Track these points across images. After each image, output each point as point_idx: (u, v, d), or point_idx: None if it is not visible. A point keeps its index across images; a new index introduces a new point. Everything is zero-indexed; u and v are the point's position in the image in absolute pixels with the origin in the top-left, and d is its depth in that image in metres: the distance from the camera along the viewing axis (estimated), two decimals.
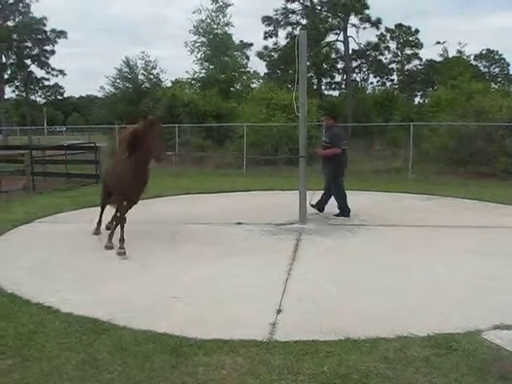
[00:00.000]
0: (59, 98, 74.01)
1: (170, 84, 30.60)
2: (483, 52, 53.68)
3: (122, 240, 7.60)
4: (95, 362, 4.11)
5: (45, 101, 69.02)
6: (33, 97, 62.60)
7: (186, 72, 29.95)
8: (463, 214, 10.52)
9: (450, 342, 4.37)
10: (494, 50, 54.08)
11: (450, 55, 45.72)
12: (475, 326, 4.73)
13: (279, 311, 5.20)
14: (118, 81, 29.32)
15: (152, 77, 29.76)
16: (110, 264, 7.05)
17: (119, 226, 7.87)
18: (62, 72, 61.63)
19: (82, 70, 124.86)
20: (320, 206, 10.31)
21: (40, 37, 54.44)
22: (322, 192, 10.33)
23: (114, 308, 5.28)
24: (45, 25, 53.91)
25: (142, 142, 7.30)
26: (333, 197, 10.24)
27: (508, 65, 54.30)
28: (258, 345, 4.37)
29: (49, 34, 55.27)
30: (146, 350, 4.31)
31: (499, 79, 52.92)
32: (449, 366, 3.99)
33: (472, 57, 49.51)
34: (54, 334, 4.61)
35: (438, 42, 47.21)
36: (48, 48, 56.75)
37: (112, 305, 5.41)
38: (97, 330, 4.70)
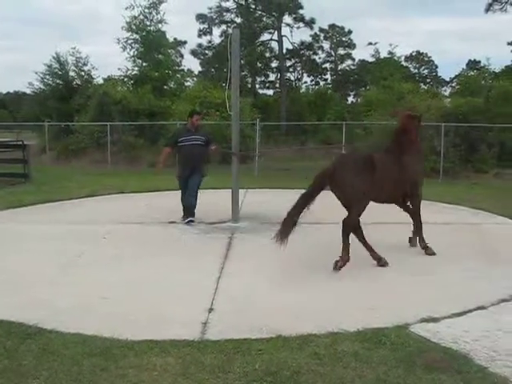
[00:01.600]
0: None
1: (101, 81, 30.00)
2: (413, 54, 55.26)
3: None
4: (20, 368, 3.95)
5: None
6: None
7: (119, 69, 29.39)
8: (393, 211, 10.74)
9: (380, 337, 4.47)
10: (423, 52, 55.77)
11: (382, 56, 46.87)
12: (404, 319, 4.87)
13: (211, 310, 5.18)
14: (47, 77, 28.45)
15: (83, 73, 29.05)
16: (36, 266, 6.82)
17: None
18: None
19: (9, 64, 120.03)
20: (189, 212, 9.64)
21: None
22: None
23: (41, 311, 5.12)
24: None
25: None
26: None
27: (436, 67, 56.18)
28: (189, 344, 4.33)
29: None
30: (75, 353, 4.19)
31: (428, 80, 54.65)
32: (377, 359, 4.07)
33: (403, 58, 50.85)
34: None
35: (370, 43, 48.15)
36: None
37: (39, 308, 5.24)
38: (22, 335, 4.54)
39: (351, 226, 6.87)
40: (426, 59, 56.23)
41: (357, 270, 6.62)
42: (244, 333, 4.57)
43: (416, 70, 55.34)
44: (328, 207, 9.98)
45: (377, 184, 6.79)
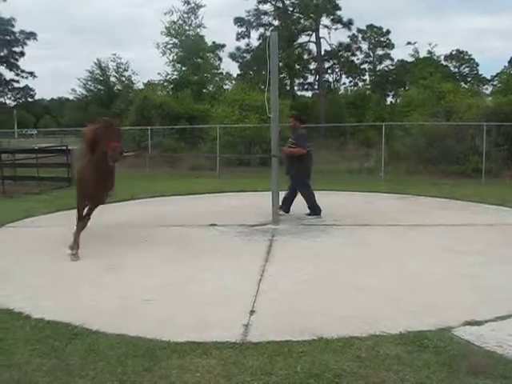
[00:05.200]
0: (30, 100, 73.22)
1: (142, 86, 30.42)
2: (453, 53, 54.44)
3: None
4: (67, 367, 4.05)
5: (15, 103, 68.20)
6: (2, 99, 61.91)
7: (158, 74, 30.01)
8: (435, 213, 10.63)
9: (422, 340, 4.41)
10: (463, 51, 54.95)
11: (421, 55, 46.30)
12: (446, 322, 4.79)
13: (252, 312, 5.19)
14: (89, 83, 29.09)
15: (124, 79, 29.56)
16: (81, 268, 6.95)
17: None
18: (32, 74, 61.17)
19: (53, 71, 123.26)
20: (285, 207, 10.33)
21: (8, 38, 53.87)
22: (286, 193, 10.39)
23: (86, 312, 5.22)
24: (13, 26, 53.36)
25: (100, 142, 7.36)
26: (302, 197, 10.29)
27: (477, 65, 55.27)
28: (231, 346, 4.35)
29: (18, 35, 54.80)
30: (119, 353, 4.26)
31: (469, 79, 53.78)
32: (420, 363, 4.02)
33: (442, 57, 50.18)
34: (24, 340, 4.54)
35: (409, 43, 47.83)
36: (17, 49, 56.26)
37: (84, 309, 5.35)
38: (69, 335, 4.64)
39: None
40: (466, 58, 55.42)
41: (400, 271, 6.55)
42: (285, 335, 4.57)
43: (456, 69, 54.56)
44: (368, 210, 9.98)
45: None
